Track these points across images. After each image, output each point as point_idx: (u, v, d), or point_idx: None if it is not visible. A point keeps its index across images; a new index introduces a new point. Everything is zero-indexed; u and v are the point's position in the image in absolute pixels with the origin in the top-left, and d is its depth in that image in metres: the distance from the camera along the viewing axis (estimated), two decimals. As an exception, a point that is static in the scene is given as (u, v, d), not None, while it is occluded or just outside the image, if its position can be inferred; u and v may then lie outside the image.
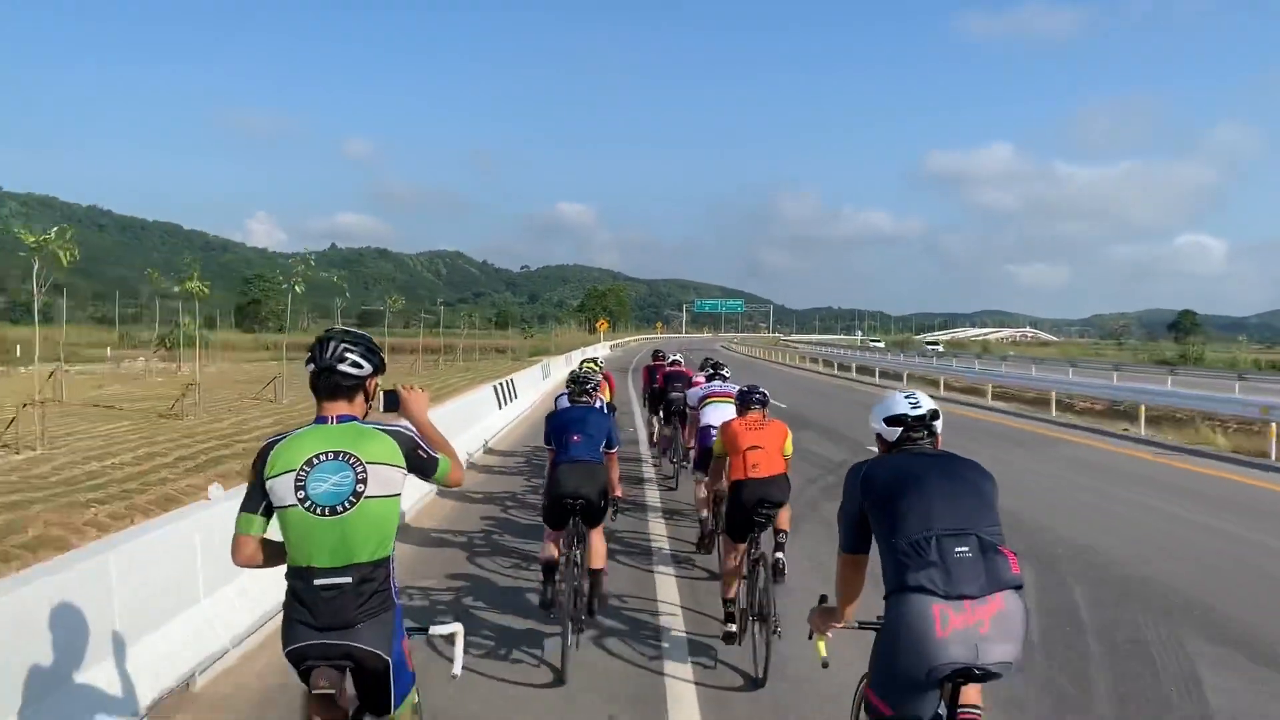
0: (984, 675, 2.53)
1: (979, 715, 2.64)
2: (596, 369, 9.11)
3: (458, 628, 2.92)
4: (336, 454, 2.64)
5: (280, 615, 2.71)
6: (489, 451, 13.18)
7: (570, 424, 5.37)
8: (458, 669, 2.86)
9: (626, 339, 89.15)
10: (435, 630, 2.96)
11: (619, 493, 5.78)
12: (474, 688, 4.43)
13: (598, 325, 52.46)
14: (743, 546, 4.94)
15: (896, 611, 2.56)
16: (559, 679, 4.53)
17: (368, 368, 2.74)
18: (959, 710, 2.61)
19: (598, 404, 6.12)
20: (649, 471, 11.13)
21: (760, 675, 4.49)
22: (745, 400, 5.49)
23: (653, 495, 9.64)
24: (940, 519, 2.60)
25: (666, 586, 6.23)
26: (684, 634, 5.26)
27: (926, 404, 2.91)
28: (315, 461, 2.63)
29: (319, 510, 2.59)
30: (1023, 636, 2.55)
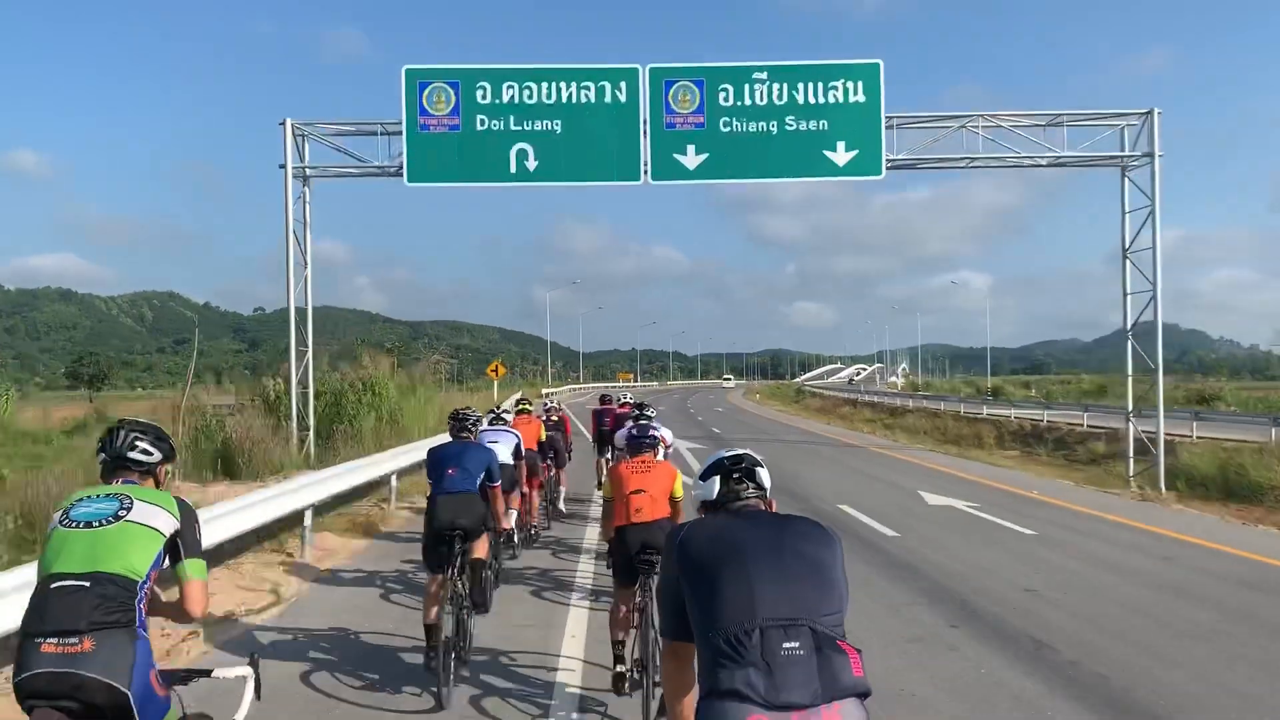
0: None
1: None
2: (529, 406, 11.40)
3: (247, 671, 3.04)
4: (108, 494, 3.02)
5: None
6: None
7: (447, 458, 6.14)
8: (240, 716, 2.97)
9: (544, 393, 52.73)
10: (221, 673, 3.07)
11: (506, 525, 6.78)
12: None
13: (490, 372, 37.86)
14: (629, 591, 5.31)
15: None
16: (438, 705, 5.15)
17: (157, 455, 3.20)
18: None
19: (482, 440, 6.86)
20: (595, 511, 12.02)
21: None
22: (635, 443, 5.88)
23: (592, 537, 10.51)
24: (766, 605, 2.33)
25: (578, 622, 7.12)
26: (578, 688, 5.72)
27: (747, 456, 2.81)
28: (84, 499, 3.01)
29: (74, 525, 2.91)
30: None
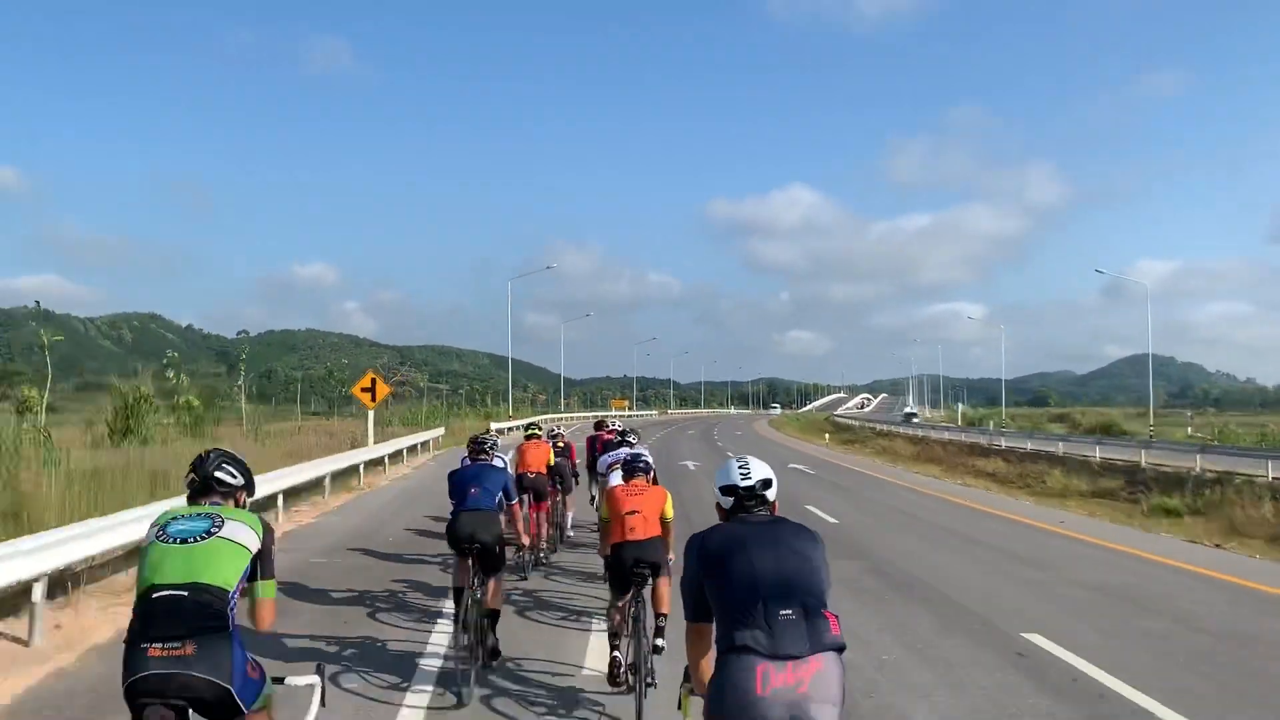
0: None
1: None
2: (539, 431, 11.83)
3: (315, 680, 3.45)
4: (199, 514, 3.43)
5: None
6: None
7: (468, 479, 6.87)
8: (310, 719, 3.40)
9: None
10: (293, 681, 3.46)
11: (526, 540, 7.53)
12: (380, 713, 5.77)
13: (360, 392, 23.20)
14: (623, 598, 6.04)
15: (723, 670, 3.03)
16: (460, 702, 5.85)
17: (240, 480, 3.64)
18: None
19: (496, 462, 7.43)
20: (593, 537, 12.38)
21: None
22: (629, 468, 6.63)
23: (595, 563, 10.75)
24: (767, 583, 3.10)
25: (574, 642, 7.59)
26: (577, 691, 6.30)
27: (757, 474, 3.44)
28: (177, 517, 3.41)
29: (171, 540, 3.30)
30: (841, 699, 3.01)
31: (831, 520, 16.41)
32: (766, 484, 3.45)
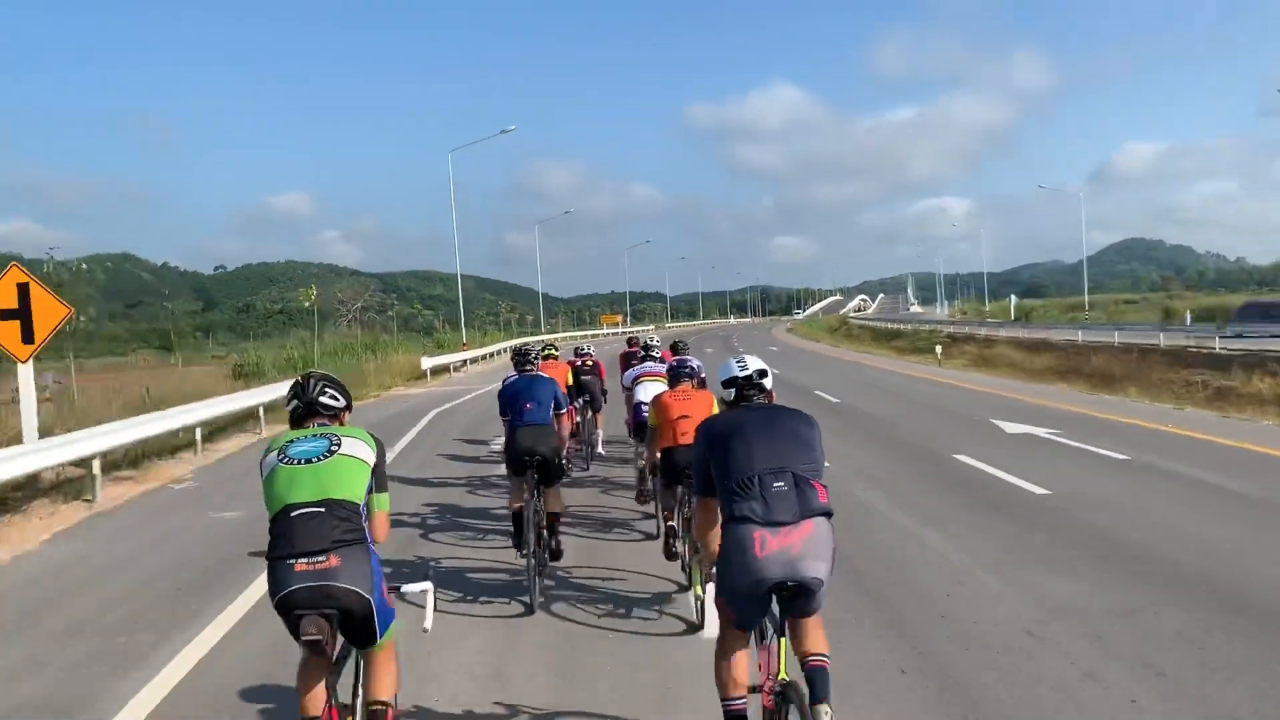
0: (799, 587, 3.46)
1: (805, 618, 3.63)
2: (555, 351, 12.26)
3: (428, 585, 3.75)
4: (315, 435, 3.60)
5: None
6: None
7: (520, 392, 7.09)
8: (428, 623, 3.71)
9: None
10: (408, 589, 3.74)
11: (570, 445, 7.73)
12: (456, 624, 6.04)
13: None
14: (673, 495, 6.56)
15: (728, 538, 3.53)
16: (529, 610, 6.25)
17: (342, 401, 3.79)
18: (787, 615, 3.62)
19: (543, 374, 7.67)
20: (627, 452, 12.84)
21: (699, 620, 5.90)
22: (676, 374, 6.88)
23: (623, 474, 11.44)
24: (762, 460, 3.54)
25: (622, 552, 7.98)
26: (634, 594, 6.71)
27: (754, 365, 3.95)
28: (294, 440, 3.57)
29: (296, 461, 3.47)
30: (831, 556, 3.49)
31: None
32: (762, 374, 3.94)
